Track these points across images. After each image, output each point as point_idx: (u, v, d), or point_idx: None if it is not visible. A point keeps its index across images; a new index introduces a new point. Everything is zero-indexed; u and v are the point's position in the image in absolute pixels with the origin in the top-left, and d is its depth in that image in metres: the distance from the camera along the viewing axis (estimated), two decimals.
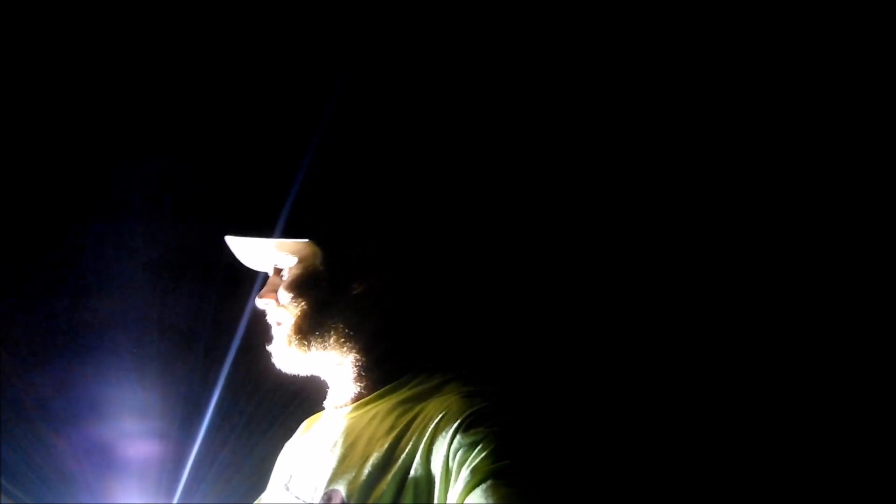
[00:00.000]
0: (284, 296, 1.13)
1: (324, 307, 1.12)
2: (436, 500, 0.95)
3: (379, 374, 1.12)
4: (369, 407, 1.10)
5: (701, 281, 1.78)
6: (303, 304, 1.12)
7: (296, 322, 1.12)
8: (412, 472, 0.97)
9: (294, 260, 1.15)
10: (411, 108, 1.87)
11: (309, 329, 1.11)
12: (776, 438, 1.64)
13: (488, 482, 0.88)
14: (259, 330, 1.25)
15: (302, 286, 1.13)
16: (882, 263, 1.68)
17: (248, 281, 1.56)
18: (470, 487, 0.89)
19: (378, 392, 1.11)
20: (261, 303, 1.17)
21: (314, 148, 1.23)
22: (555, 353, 1.76)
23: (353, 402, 1.13)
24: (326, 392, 1.20)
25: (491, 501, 0.86)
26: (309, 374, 1.17)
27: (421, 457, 0.98)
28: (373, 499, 0.98)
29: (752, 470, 1.63)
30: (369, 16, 1.90)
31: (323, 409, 1.21)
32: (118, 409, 1.86)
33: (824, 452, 1.60)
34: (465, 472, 0.91)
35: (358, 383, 1.13)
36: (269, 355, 1.17)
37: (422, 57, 1.91)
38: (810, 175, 1.76)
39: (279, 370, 1.16)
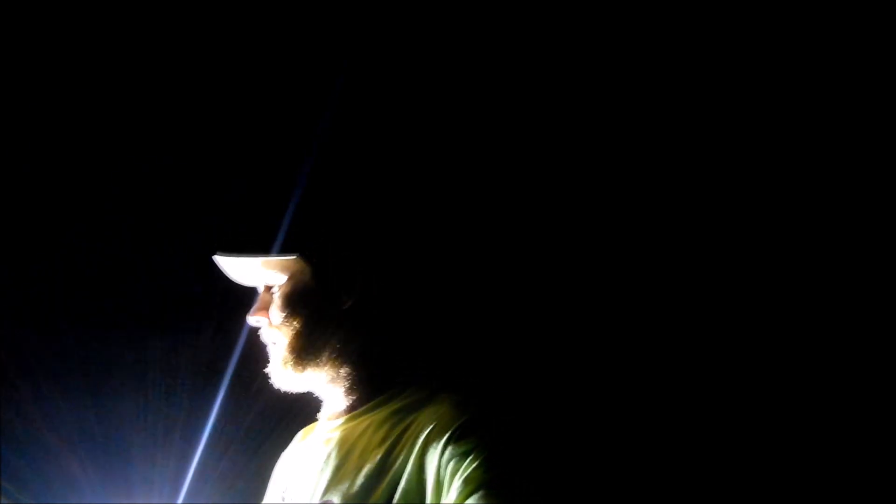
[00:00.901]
0: (276, 315, 1.13)
1: (317, 325, 1.12)
2: None
3: (371, 386, 1.12)
4: (362, 418, 1.11)
5: (691, 284, 1.78)
6: (295, 322, 1.12)
7: (290, 342, 1.12)
8: (404, 483, 0.98)
9: (283, 277, 1.14)
10: (394, 120, 1.88)
11: (303, 348, 1.11)
12: (771, 447, 1.64)
13: (481, 492, 0.89)
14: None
15: (293, 304, 1.12)
16: (882, 263, 1.67)
17: (252, 288, 1.57)
18: (462, 498, 0.90)
19: (371, 403, 1.11)
20: (252, 321, 1.16)
21: (301, 165, 1.23)
22: (546, 361, 1.76)
23: (346, 414, 1.13)
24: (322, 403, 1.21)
25: None
26: (305, 391, 1.18)
27: (413, 467, 0.98)
28: None
29: (747, 476, 1.64)
30: (355, 33, 1.90)
31: (318, 420, 1.21)
32: (123, 411, 1.88)
33: (823, 453, 1.61)
34: (458, 483, 0.92)
35: (351, 395, 1.13)
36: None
37: (403, 72, 1.91)
38: (810, 175, 1.75)
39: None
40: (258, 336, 1.21)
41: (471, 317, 1.73)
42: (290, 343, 1.12)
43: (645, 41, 1.85)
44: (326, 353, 1.12)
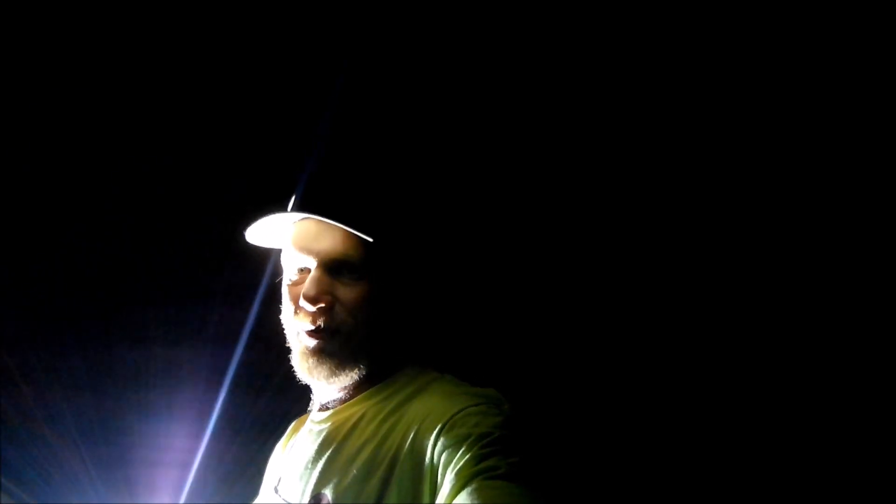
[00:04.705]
0: (354, 304, 1.06)
1: (389, 321, 1.09)
2: (421, 501, 0.96)
3: (366, 376, 1.10)
4: (355, 409, 1.09)
5: (689, 280, 1.78)
6: (374, 317, 1.07)
7: (363, 339, 1.06)
8: (396, 474, 0.98)
9: (358, 259, 1.06)
10: (393, 119, 1.88)
11: (371, 346, 1.07)
12: (770, 441, 1.64)
13: (473, 484, 0.89)
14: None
15: (382, 296, 1.07)
16: (882, 263, 1.68)
17: (255, 281, 1.57)
18: (456, 490, 0.90)
19: (364, 394, 1.10)
20: (308, 305, 1.06)
21: (300, 161, 1.20)
22: (540, 353, 1.77)
23: (339, 404, 1.12)
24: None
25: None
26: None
27: (405, 459, 0.98)
28: (359, 502, 0.98)
29: (735, 467, 1.64)
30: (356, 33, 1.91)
31: (309, 411, 1.20)
32: (125, 410, 1.87)
33: (820, 453, 1.61)
34: (451, 475, 0.92)
35: (344, 386, 1.11)
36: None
37: (403, 72, 1.92)
38: (810, 175, 1.76)
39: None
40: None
41: (466, 310, 1.73)
42: (366, 335, 1.06)
43: (645, 42, 1.86)
44: (379, 349, 1.09)
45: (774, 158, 1.77)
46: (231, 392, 1.70)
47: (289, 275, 1.11)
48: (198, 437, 1.76)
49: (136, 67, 1.97)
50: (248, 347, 1.72)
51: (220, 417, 1.72)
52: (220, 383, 1.73)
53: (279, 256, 1.16)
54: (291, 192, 1.12)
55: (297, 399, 1.23)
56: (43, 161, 1.96)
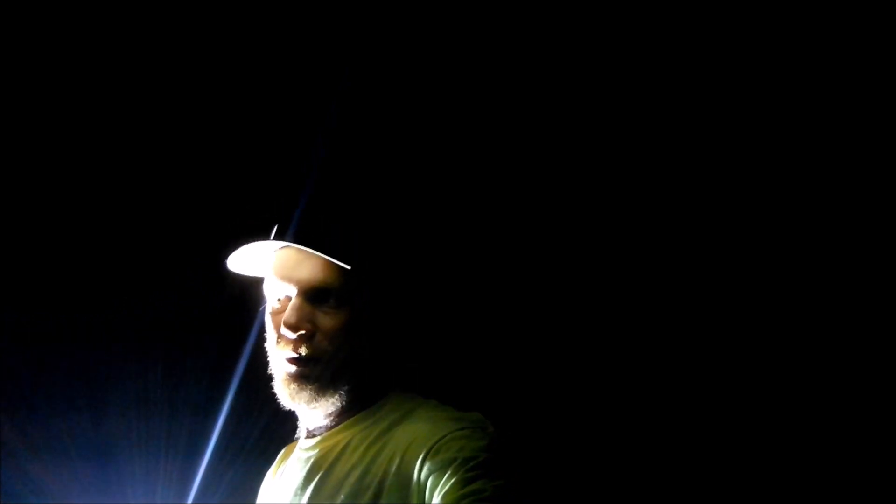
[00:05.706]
0: (334, 332, 1.07)
1: (371, 346, 1.10)
2: None
3: (351, 403, 1.11)
4: (341, 436, 1.10)
5: (670, 304, 1.78)
6: (355, 345, 1.08)
7: (343, 365, 1.08)
8: (383, 500, 0.99)
9: (332, 285, 1.07)
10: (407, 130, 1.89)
11: (351, 372, 1.09)
12: (758, 454, 1.64)
13: None
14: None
15: (362, 324, 1.08)
16: (882, 263, 1.67)
17: (258, 285, 1.58)
18: None
19: (349, 421, 1.11)
20: (289, 333, 1.07)
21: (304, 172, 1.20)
22: (522, 376, 1.77)
23: (326, 431, 1.13)
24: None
25: None
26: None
27: (391, 484, 0.99)
28: None
29: (721, 488, 1.65)
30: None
31: (297, 438, 1.21)
32: (125, 423, 1.88)
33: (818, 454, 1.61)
34: (437, 499, 0.93)
35: (330, 413, 1.12)
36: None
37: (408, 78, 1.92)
38: (810, 175, 1.75)
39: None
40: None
41: (447, 335, 1.74)
42: (344, 366, 1.08)
43: (645, 42, 1.85)
44: (361, 375, 1.10)
45: (772, 159, 1.76)
46: (233, 405, 1.70)
47: (271, 303, 1.13)
48: (199, 450, 1.77)
49: (125, 90, 1.98)
50: (253, 357, 1.72)
51: (223, 430, 1.72)
52: (223, 395, 1.73)
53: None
54: (273, 222, 1.13)
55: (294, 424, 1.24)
56: (44, 162, 1.97)
